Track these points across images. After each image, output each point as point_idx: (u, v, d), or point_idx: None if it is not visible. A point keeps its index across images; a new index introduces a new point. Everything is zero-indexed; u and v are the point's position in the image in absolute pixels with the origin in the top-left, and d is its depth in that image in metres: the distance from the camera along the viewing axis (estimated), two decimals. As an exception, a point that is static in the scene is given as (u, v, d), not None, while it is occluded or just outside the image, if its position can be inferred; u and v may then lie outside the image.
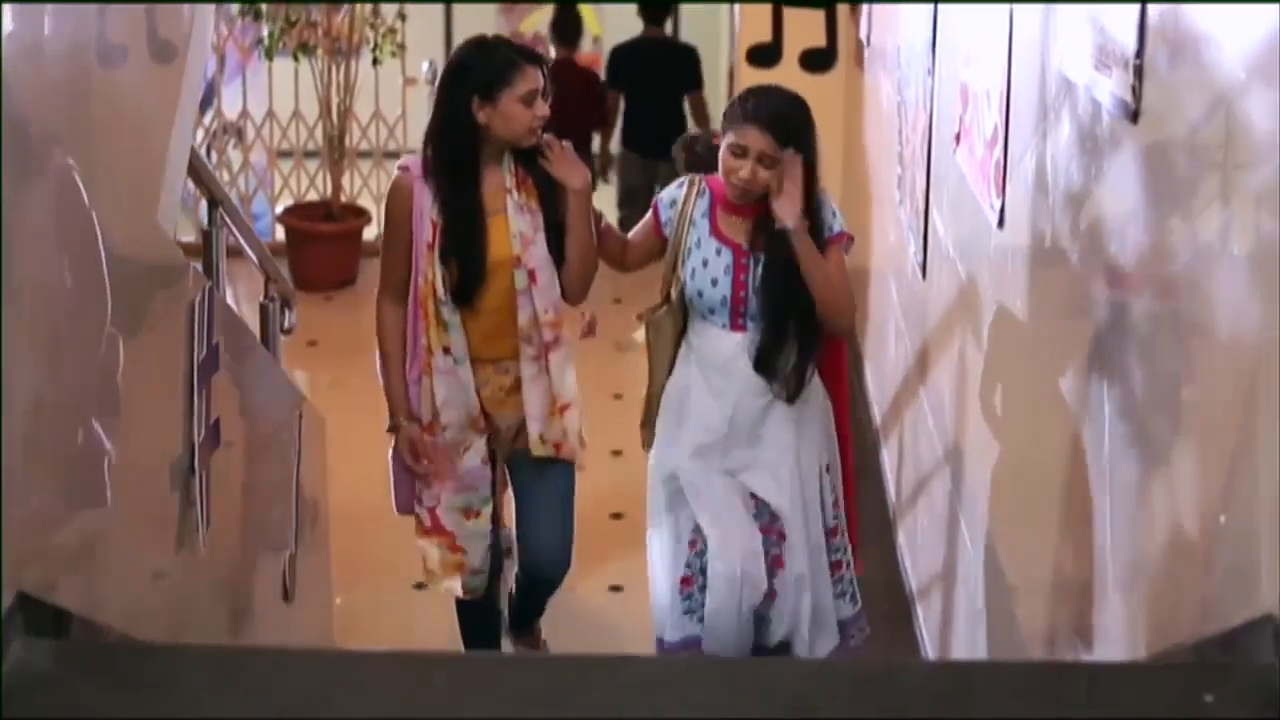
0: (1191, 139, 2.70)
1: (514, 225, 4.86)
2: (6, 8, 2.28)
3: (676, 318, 4.95)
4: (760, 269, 4.79)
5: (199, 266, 4.16)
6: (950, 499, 5.16)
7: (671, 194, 4.97)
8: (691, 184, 4.93)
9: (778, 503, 4.92)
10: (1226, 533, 2.45)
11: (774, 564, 4.90)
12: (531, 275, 4.86)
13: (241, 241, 5.14)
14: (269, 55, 10.39)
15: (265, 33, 10.34)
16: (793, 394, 4.88)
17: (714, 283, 4.82)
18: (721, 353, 4.88)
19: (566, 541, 5.23)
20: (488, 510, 5.14)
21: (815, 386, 4.99)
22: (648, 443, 5.10)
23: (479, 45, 4.92)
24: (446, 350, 4.90)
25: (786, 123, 4.70)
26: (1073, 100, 3.49)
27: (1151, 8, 2.88)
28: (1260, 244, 2.34)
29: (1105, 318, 3.24)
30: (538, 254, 4.88)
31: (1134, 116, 2.97)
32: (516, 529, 5.35)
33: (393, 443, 5.08)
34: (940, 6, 5.67)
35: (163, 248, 3.50)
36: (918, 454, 6.05)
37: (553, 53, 10.81)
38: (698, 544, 4.92)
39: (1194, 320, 2.66)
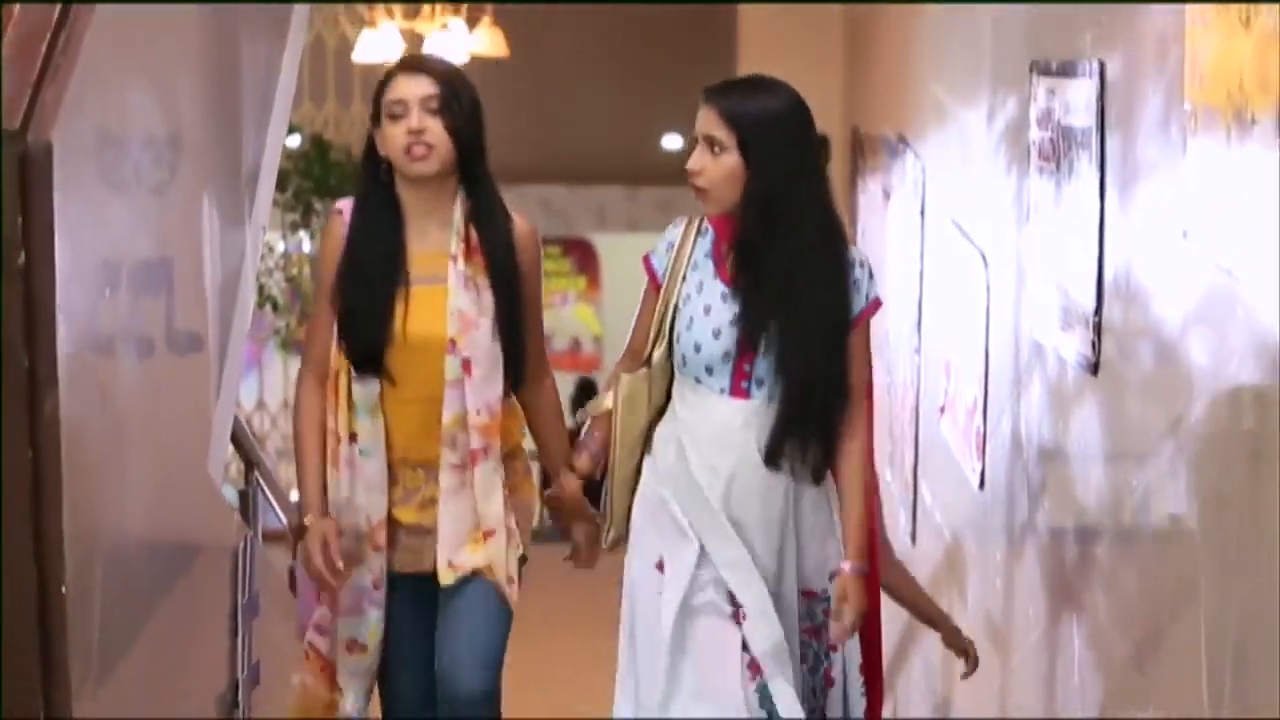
0: (1143, 383, 3.02)
1: (454, 301, 3.83)
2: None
3: (656, 387, 3.79)
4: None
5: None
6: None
7: (668, 236, 3.82)
8: (690, 222, 3.79)
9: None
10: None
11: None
12: (466, 365, 3.83)
13: (273, 503, 5.35)
14: (284, 347, 10.64)
15: (281, 325, 10.62)
16: (818, 471, 3.69)
17: (716, 334, 3.66)
18: (716, 422, 3.69)
19: (487, 658, 3.94)
20: (376, 644, 3.95)
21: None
22: (614, 543, 3.93)
23: None
24: (353, 438, 3.89)
25: (744, 102, 3.64)
26: (1042, 362, 3.81)
27: (1107, 268, 3.22)
28: (1201, 478, 2.65)
29: (1074, 558, 3.54)
30: (479, 341, 3.84)
31: (1094, 369, 3.29)
32: (436, 651, 4.00)
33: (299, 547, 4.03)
34: (925, 290, 5.99)
35: (209, 497, 3.80)
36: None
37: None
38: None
39: (1148, 549, 2.95)
